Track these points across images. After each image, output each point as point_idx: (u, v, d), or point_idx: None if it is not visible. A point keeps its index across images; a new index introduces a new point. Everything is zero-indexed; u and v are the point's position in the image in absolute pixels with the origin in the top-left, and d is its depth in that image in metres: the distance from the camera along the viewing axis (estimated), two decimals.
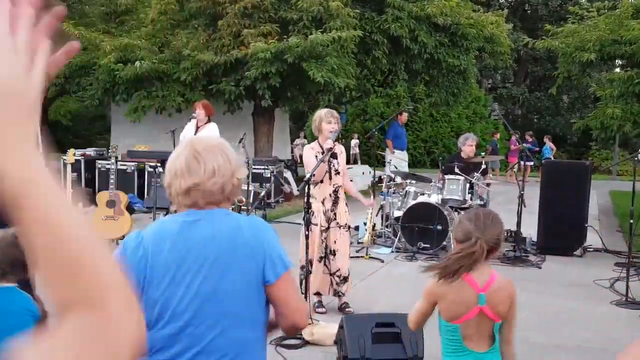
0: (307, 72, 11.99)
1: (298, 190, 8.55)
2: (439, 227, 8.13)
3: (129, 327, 0.74)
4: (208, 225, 2.00)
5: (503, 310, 2.57)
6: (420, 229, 8.20)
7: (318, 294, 5.68)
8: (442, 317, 2.60)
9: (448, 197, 8.26)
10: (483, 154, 9.80)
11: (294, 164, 17.19)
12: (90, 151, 13.32)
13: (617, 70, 17.30)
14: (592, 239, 9.03)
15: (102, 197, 7.60)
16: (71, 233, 0.71)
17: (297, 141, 23.68)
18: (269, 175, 12.24)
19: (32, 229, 0.70)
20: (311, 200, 5.58)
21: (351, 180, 6.34)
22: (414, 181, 9.10)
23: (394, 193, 9.17)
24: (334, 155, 5.60)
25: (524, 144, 19.14)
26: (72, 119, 25.89)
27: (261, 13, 13.00)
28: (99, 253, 0.74)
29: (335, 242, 5.65)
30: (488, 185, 8.71)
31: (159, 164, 10.35)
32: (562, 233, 8.47)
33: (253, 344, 2.04)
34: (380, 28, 14.07)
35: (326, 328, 4.89)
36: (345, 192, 5.79)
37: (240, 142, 8.23)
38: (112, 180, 7.69)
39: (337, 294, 5.75)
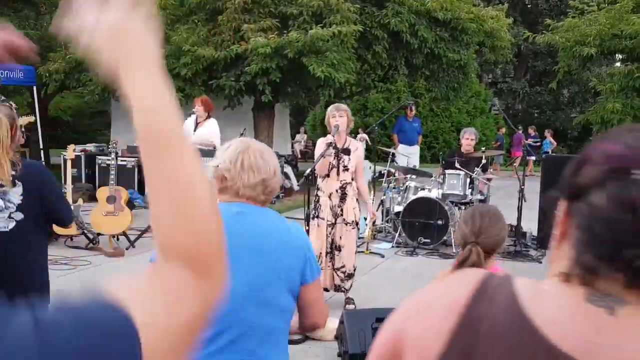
0: (307, 67, 11.97)
1: (298, 185, 8.54)
2: (440, 222, 8.14)
3: (219, 294, 0.77)
4: (263, 219, 2.17)
5: None
6: (421, 224, 8.20)
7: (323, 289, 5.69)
8: None
9: (448, 192, 8.26)
10: (483, 148, 9.79)
11: (295, 160, 17.17)
12: (91, 147, 13.33)
13: (618, 64, 17.29)
14: None
15: (103, 192, 7.61)
16: (190, 173, 0.77)
17: (298, 137, 23.64)
18: None
19: (155, 152, 0.79)
20: (319, 193, 5.57)
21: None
22: (414, 176, 9.10)
23: (394, 188, 9.17)
24: (346, 152, 5.50)
25: (526, 140, 19.18)
26: (72, 115, 25.90)
27: (261, 8, 12.97)
28: (212, 206, 0.78)
29: (340, 238, 5.63)
30: (489, 180, 8.72)
31: None
32: None
33: (282, 334, 2.17)
34: (381, 23, 14.04)
35: (327, 323, 4.89)
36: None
37: (240, 137, 8.22)
38: (112, 176, 7.67)
39: (339, 289, 5.75)
